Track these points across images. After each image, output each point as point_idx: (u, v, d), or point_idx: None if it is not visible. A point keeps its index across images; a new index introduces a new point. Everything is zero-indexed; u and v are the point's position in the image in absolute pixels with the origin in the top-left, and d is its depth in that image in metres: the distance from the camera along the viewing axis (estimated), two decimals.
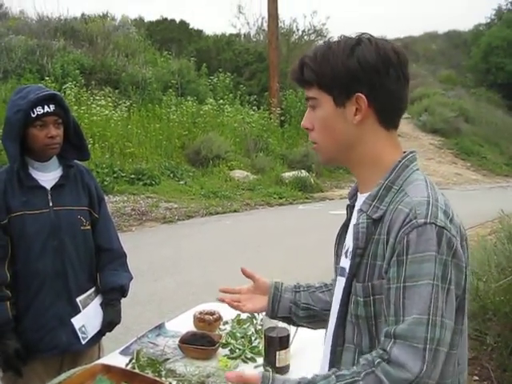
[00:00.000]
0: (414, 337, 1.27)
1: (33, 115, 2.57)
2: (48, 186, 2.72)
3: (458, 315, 1.37)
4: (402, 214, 1.35)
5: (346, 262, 1.54)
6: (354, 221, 1.51)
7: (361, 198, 1.53)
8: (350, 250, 1.51)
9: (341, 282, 1.56)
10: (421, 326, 1.27)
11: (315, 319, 1.87)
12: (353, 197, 1.64)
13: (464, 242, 1.40)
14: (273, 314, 1.90)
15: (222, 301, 1.94)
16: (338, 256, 1.67)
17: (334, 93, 1.46)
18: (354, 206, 1.61)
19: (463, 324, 1.42)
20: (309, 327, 1.94)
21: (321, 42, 1.55)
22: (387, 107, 1.48)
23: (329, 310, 1.81)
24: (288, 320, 1.93)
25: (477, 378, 4.24)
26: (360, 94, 1.44)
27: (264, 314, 1.98)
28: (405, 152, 1.52)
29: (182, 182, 14.00)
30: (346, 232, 1.63)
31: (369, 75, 1.43)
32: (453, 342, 1.37)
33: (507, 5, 38.43)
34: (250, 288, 1.95)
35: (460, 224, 1.41)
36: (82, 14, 22.65)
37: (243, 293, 1.95)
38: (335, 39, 1.50)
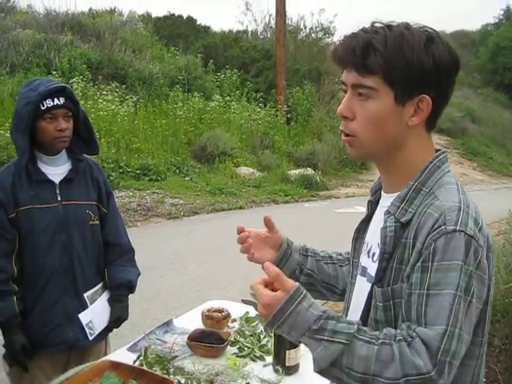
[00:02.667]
0: (430, 345, 1.24)
1: (42, 108, 2.55)
2: (56, 180, 2.70)
3: (478, 327, 1.34)
4: (431, 219, 1.30)
5: (368, 263, 1.51)
6: (379, 221, 1.47)
7: (387, 198, 1.48)
8: (374, 251, 1.48)
9: (362, 283, 1.53)
10: (438, 336, 1.24)
11: (311, 288, 1.81)
12: (375, 192, 1.60)
13: (490, 254, 1.34)
14: None
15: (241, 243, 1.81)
16: (355, 250, 1.63)
17: (397, 88, 1.34)
18: (375, 202, 1.58)
19: (483, 336, 1.38)
20: None
21: (378, 22, 1.37)
22: (439, 112, 1.41)
23: (327, 283, 1.80)
24: None
25: (484, 379, 4.20)
26: (426, 96, 1.35)
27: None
28: (437, 151, 1.46)
29: (187, 178, 13.98)
30: (366, 228, 1.60)
31: (440, 77, 1.35)
32: (472, 353, 1.34)
33: None
34: (259, 235, 1.82)
35: (488, 234, 1.36)
36: (90, 9, 22.70)
37: (251, 236, 1.82)
38: (400, 25, 1.36)
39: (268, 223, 1.81)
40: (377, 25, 1.37)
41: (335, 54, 1.41)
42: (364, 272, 1.53)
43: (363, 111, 1.38)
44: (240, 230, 1.81)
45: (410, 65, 1.31)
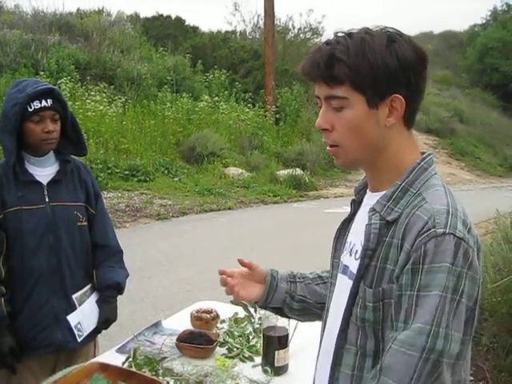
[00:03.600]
0: (414, 344, 1.25)
1: (30, 109, 2.54)
2: (44, 181, 2.69)
3: (467, 326, 1.34)
4: (420, 221, 1.31)
5: (350, 261, 1.51)
6: (362, 219, 1.47)
7: (372, 197, 1.49)
8: (356, 249, 1.48)
9: (343, 280, 1.53)
10: (422, 335, 1.25)
11: (308, 312, 1.83)
12: (359, 192, 1.61)
13: (480, 254, 1.35)
14: (265, 303, 1.84)
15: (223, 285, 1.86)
16: (336, 250, 1.64)
17: (368, 92, 1.35)
18: (359, 202, 1.58)
19: (471, 335, 1.38)
20: (297, 319, 1.90)
21: (340, 31, 1.40)
22: (415, 108, 1.42)
23: (322, 303, 1.77)
24: (278, 311, 1.87)
25: (472, 378, 4.23)
26: (398, 95, 1.36)
27: (255, 304, 1.90)
28: (423, 153, 1.47)
29: (176, 179, 13.96)
30: (348, 227, 1.60)
31: (407, 75, 1.36)
32: (461, 352, 1.33)
33: (502, 6, 38.63)
34: (242, 273, 1.85)
35: (477, 235, 1.37)
36: (78, 9, 22.58)
37: (235, 276, 1.85)
38: (360, 31, 1.38)
39: (243, 264, 1.85)
40: (339, 35, 1.39)
41: (303, 70, 1.43)
42: (345, 270, 1.53)
43: (340, 121, 1.40)
44: (221, 273, 1.86)
45: (375, 68, 1.33)
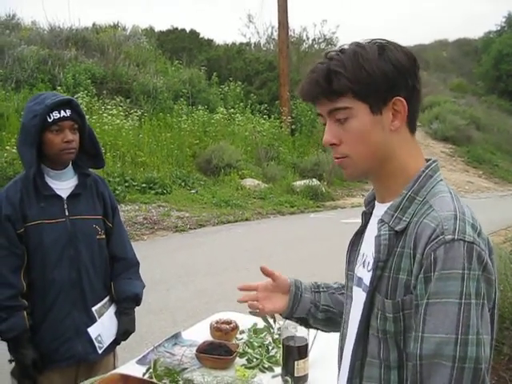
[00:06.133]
0: (443, 355, 1.24)
1: (49, 120, 2.56)
2: (64, 194, 2.71)
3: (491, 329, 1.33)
4: (429, 229, 1.31)
5: (363, 273, 1.51)
6: (373, 231, 1.47)
7: (380, 207, 1.49)
8: (369, 260, 1.48)
9: (358, 293, 1.53)
10: (449, 345, 1.23)
11: (332, 322, 1.82)
12: (369, 203, 1.61)
13: (492, 256, 1.34)
14: (290, 314, 1.84)
15: (243, 301, 1.86)
16: (350, 262, 1.64)
17: (370, 100, 1.38)
18: (370, 214, 1.58)
19: (493, 338, 1.36)
20: (322, 330, 1.90)
21: (332, 50, 1.44)
22: (416, 110, 1.44)
23: None
24: (302, 321, 1.86)
25: None
26: (399, 98, 1.38)
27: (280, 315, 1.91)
28: (427, 160, 1.47)
29: (193, 191, 14.01)
30: (360, 239, 1.60)
31: (404, 77, 1.38)
32: (491, 356, 1.33)
33: None
34: (267, 285, 1.86)
35: (488, 237, 1.36)
36: (93, 24, 22.84)
37: (260, 290, 1.86)
38: (351, 45, 1.41)
39: (265, 272, 1.84)
40: (331, 53, 1.42)
41: (302, 91, 1.45)
42: (360, 283, 1.53)
43: (347, 133, 1.41)
44: (242, 288, 1.89)
45: (372, 75, 1.36)
